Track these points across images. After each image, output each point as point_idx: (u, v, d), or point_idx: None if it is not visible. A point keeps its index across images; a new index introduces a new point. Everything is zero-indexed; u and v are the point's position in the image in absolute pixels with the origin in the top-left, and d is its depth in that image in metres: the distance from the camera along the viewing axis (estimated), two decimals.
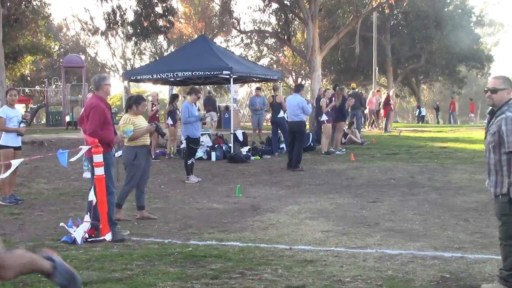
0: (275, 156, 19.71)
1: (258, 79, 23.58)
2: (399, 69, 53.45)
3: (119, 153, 11.05)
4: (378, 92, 34.22)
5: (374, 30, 40.97)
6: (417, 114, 50.97)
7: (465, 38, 51.44)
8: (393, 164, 16.90)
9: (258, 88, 24.65)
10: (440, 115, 57.97)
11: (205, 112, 24.93)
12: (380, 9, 38.13)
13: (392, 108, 31.02)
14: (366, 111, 31.20)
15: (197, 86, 20.74)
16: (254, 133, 23.52)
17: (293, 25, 35.35)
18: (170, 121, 19.69)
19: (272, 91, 21.76)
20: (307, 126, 23.29)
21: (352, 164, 17.20)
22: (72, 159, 8.72)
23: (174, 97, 20.59)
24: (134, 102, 9.81)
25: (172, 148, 20.33)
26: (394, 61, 50.78)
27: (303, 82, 58.53)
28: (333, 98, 20.05)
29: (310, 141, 20.84)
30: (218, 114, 30.22)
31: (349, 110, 22.48)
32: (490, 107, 5.87)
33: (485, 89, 5.85)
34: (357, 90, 27.71)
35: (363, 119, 30.20)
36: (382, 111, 30.91)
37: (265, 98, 23.73)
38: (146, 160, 9.74)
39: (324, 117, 19.31)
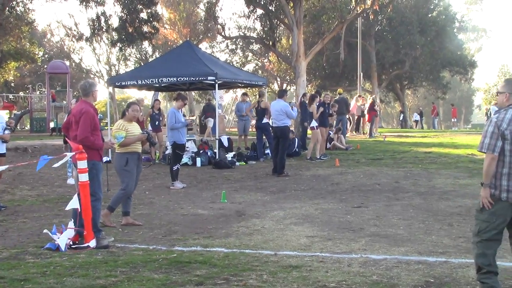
0: (260, 161, 19.71)
1: (243, 85, 23.58)
2: (384, 75, 53.70)
3: (105, 159, 11.01)
4: (361, 97, 34.34)
5: (359, 36, 41.13)
6: (401, 119, 51.29)
7: (449, 43, 51.87)
8: (378, 169, 16.96)
9: (244, 94, 24.69)
10: (424, 120, 58.24)
11: (203, 118, 25.15)
12: (365, 15, 38.38)
13: (377, 113, 31.14)
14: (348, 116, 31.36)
15: (183, 92, 20.73)
16: (239, 139, 23.56)
17: (278, 31, 35.44)
18: (149, 127, 19.86)
19: (258, 96, 21.77)
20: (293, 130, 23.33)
21: (337, 169, 17.24)
22: (56, 165, 8.67)
23: (153, 103, 20.78)
24: (126, 107, 9.83)
25: (157, 154, 20.29)
26: (378, 66, 51.04)
27: (288, 88, 58.68)
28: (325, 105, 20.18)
29: (295, 146, 20.85)
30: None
31: (335, 115, 22.58)
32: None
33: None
34: (343, 95, 27.71)
35: (348, 124, 30.30)
36: (366, 116, 31.05)
37: (251, 104, 23.77)
38: (137, 166, 9.70)
39: (314, 123, 19.38)
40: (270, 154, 19.32)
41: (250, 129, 25.90)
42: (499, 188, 5.65)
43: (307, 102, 20.33)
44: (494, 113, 5.85)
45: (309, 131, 21.26)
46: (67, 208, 8.58)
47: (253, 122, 26.07)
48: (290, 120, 17.46)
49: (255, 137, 21.09)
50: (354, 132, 32.72)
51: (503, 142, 5.59)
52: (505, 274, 6.49)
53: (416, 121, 51.64)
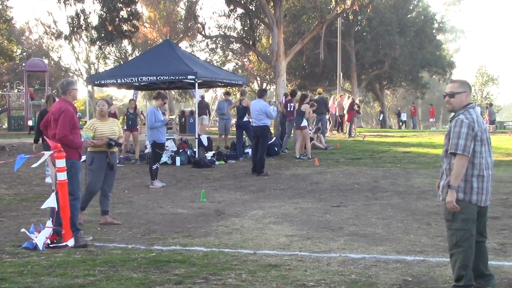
0: (240, 161, 19.72)
1: (223, 84, 23.59)
2: (363, 75, 53.97)
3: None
4: (341, 97, 34.49)
5: (339, 36, 41.31)
6: (380, 119, 51.57)
7: (428, 44, 52.25)
8: (357, 169, 17.03)
9: (226, 93, 24.75)
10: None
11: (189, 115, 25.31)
12: (345, 15, 38.49)
13: (356, 113, 31.27)
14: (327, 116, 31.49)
15: (162, 91, 20.68)
16: (220, 138, 23.56)
17: (258, 31, 35.50)
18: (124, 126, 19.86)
19: (240, 95, 21.76)
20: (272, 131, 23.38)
21: (317, 169, 17.29)
22: (34, 165, 8.61)
23: (130, 102, 20.75)
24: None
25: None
26: (358, 66, 51.28)
27: (268, 87, 58.69)
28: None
29: (274, 145, 20.88)
30: (210, 118, 30.58)
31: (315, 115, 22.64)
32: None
33: (444, 94, 5.91)
34: (323, 95, 27.77)
35: (327, 124, 30.43)
36: (346, 116, 31.18)
37: (232, 102, 23.79)
38: (106, 166, 9.56)
39: (305, 122, 19.46)
40: (249, 153, 19.34)
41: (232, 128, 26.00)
42: (470, 191, 5.63)
43: (292, 101, 20.37)
44: (456, 113, 5.78)
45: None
46: (43, 207, 8.52)
47: (234, 120, 26.15)
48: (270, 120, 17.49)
49: (236, 136, 21.10)
50: (338, 131, 32.93)
51: (474, 144, 5.62)
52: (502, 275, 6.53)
53: (404, 122, 51.87)
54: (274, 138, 21.49)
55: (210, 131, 31.93)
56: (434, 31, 55.28)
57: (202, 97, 35.15)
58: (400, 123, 51.80)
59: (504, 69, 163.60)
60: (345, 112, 31.49)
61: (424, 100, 71.46)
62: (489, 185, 5.72)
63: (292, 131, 21.61)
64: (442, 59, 55.46)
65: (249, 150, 19.95)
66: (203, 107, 28.89)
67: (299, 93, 24.75)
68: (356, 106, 30.53)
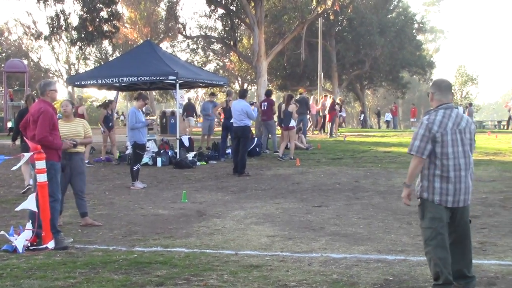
0: (221, 161, 19.70)
1: (204, 85, 23.53)
2: (344, 75, 54.11)
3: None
4: (325, 97, 34.58)
5: (319, 36, 41.41)
6: (361, 119, 51.78)
7: (408, 44, 52.53)
8: (338, 169, 17.09)
9: (212, 94, 24.76)
10: (382, 120, 58.84)
11: (184, 117, 25.43)
12: (325, 16, 38.56)
13: (338, 114, 31.39)
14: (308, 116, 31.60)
15: (143, 92, 20.62)
16: (202, 139, 23.55)
17: (239, 31, 35.54)
18: (102, 128, 19.74)
19: (226, 95, 21.68)
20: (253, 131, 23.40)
21: (298, 169, 17.31)
22: (14, 168, 8.54)
23: (108, 103, 20.61)
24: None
25: (118, 153, 20.17)
26: (339, 66, 51.42)
27: (249, 88, 58.73)
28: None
29: (255, 145, 20.89)
30: (196, 119, 30.62)
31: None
32: None
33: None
34: (304, 95, 27.78)
35: (308, 124, 30.51)
36: (327, 116, 31.27)
37: (217, 103, 23.80)
38: (69, 167, 9.37)
39: (292, 123, 19.56)
40: (230, 154, 19.34)
41: (219, 129, 26.06)
42: (432, 191, 5.74)
43: (267, 101, 20.43)
44: (424, 114, 5.95)
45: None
46: (17, 209, 8.50)
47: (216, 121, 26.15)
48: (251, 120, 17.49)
49: (220, 137, 21.12)
50: (320, 132, 33.06)
51: (433, 145, 5.68)
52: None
53: (388, 121, 52.05)
54: (256, 138, 21.52)
55: (190, 131, 31.92)
56: (414, 31, 55.65)
57: (189, 99, 35.32)
58: (386, 124, 52.05)
59: (483, 69, 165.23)
60: (326, 112, 31.56)
61: (405, 100, 71.82)
62: (461, 186, 5.70)
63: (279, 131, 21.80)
64: (422, 59, 55.78)
65: (230, 151, 19.94)
66: (190, 109, 28.90)
67: (281, 94, 24.81)
68: (337, 105, 30.65)
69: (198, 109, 37.18)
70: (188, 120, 28.14)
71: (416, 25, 56.06)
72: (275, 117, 22.33)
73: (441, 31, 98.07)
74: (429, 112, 5.85)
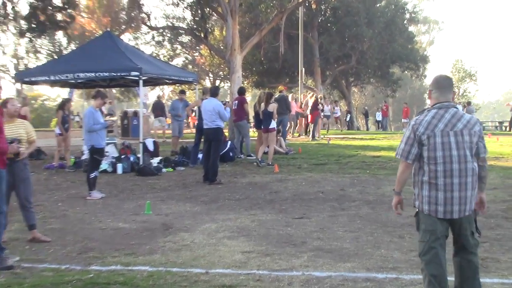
0: (190, 167, 19.63)
1: (171, 81, 23.46)
2: (328, 70, 54.27)
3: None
4: (303, 96, 34.67)
5: (300, 27, 41.48)
6: (347, 119, 51.91)
7: (399, 36, 52.84)
8: (321, 176, 17.09)
9: (181, 92, 24.68)
10: (371, 121, 59.07)
11: (153, 117, 25.41)
12: (307, 4, 38.78)
13: (320, 113, 31.46)
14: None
15: (102, 89, 20.47)
16: (175, 141, 23.47)
17: (210, 21, 35.46)
18: (57, 130, 19.51)
19: (202, 93, 21.53)
20: (226, 134, 23.36)
21: (276, 176, 17.28)
22: None
23: (64, 103, 20.34)
24: (3, 103, 9.48)
25: (72, 159, 19.97)
26: (322, 61, 51.49)
27: (221, 85, 58.68)
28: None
29: (228, 150, 20.84)
30: (166, 119, 30.59)
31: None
32: None
33: None
34: (284, 93, 27.71)
35: (288, 125, 30.53)
36: (309, 117, 31.29)
37: (188, 102, 23.72)
38: (11, 173, 9.18)
39: (273, 124, 19.54)
40: (200, 159, 19.29)
41: (188, 131, 26.02)
42: (421, 199, 5.77)
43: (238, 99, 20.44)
44: (416, 114, 5.97)
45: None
46: None
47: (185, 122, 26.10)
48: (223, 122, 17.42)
49: (194, 140, 21.06)
50: (303, 134, 33.15)
51: (420, 148, 5.71)
52: None
53: (379, 122, 52.14)
54: (229, 142, 21.48)
55: (155, 134, 31.78)
56: (405, 22, 56.01)
57: (159, 97, 35.16)
58: (377, 125, 52.23)
59: (482, 64, 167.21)
60: (308, 112, 31.58)
61: (396, 99, 72.32)
62: (455, 195, 5.65)
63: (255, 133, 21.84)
64: (414, 53, 56.17)
65: (200, 155, 19.86)
66: (160, 108, 28.81)
67: (258, 92, 24.82)
68: (320, 105, 30.73)
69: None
70: (159, 121, 28.10)
71: (407, 15, 56.43)
72: (251, 118, 22.33)
73: (435, 21, 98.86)
74: (422, 112, 5.86)
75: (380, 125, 51.85)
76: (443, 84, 5.91)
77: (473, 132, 5.70)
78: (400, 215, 6.09)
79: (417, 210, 5.86)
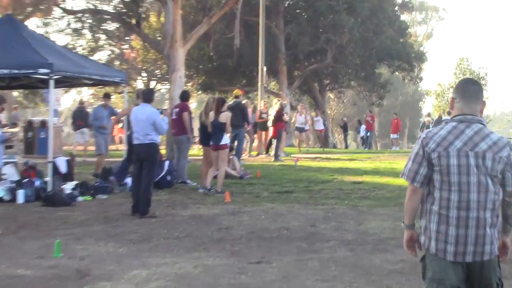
0: (115, 194, 19.55)
1: (91, 82, 23.33)
2: (297, 70, 54.50)
3: None
4: (264, 103, 34.67)
5: (261, 14, 41.59)
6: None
7: (387, 27, 53.24)
8: (286, 207, 17.11)
9: (106, 96, 24.57)
10: (351, 136, 59.30)
11: (73, 128, 25.16)
12: None
13: (286, 126, 31.54)
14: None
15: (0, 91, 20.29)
16: (101, 161, 23.32)
17: (144, 4, 35.38)
18: None
19: (136, 97, 21.36)
20: (164, 152, 23.28)
21: (228, 207, 17.26)
22: None
23: None
24: None
25: None
26: (289, 58, 51.61)
27: (158, 87, 58.56)
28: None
29: (166, 173, 20.79)
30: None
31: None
32: None
33: None
34: (240, 99, 27.68)
35: (245, 141, 30.55)
36: (270, 130, 31.26)
37: (115, 110, 23.62)
38: None
39: (226, 140, 19.45)
40: (129, 184, 19.20)
41: (113, 147, 25.88)
42: (429, 234, 5.72)
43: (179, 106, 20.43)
44: (433, 124, 5.97)
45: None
46: None
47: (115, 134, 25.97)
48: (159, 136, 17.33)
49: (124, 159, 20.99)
50: (262, 152, 33.19)
51: (430, 169, 5.67)
52: None
53: (363, 138, 52.09)
54: (167, 162, 21.40)
55: (69, 150, 31.55)
56: (396, 8, 56.51)
57: (82, 102, 34.96)
58: (361, 142, 52.43)
59: (494, 64, 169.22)
60: (268, 124, 31.55)
61: (383, 108, 72.90)
62: (470, 233, 5.57)
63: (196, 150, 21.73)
64: (407, 48, 56.63)
65: (129, 180, 19.75)
66: (82, 117, 28.63)
67: (205, 97, 24.84)
68: (285, 114, 30.80)
69: None
70: (81, 133, 27.91)
71: (399, 0, 56.96)
72: (196, 131, 22.28)
73: (434, 8, 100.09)
74: (439, 122, 5.83)
75: (363, 142, 51.99)
76: (470, 91, 5.83)
77: (499, 158, 5.61)
78: (415, 256, 5.95)
79: (424, 254, 5.80)
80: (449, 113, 47.84)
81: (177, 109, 21.48)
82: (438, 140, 5.61)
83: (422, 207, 5.80)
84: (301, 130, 38.18)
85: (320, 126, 44.53)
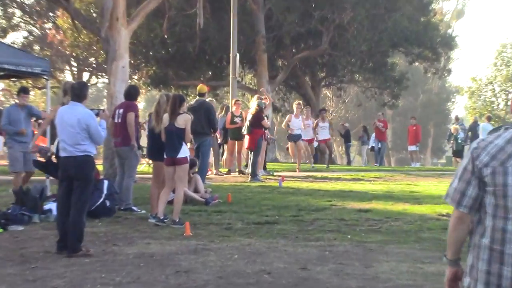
0: (35, 224, 19.51)
1: (2, 73, 23.32)
2: (281, 59, 54.57)
3: None
4: (237, 103, 34.70)
5: None
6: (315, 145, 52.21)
7: (404, 2, 53.33)
8: (267, 244, 17.07)
9: (23, 91, 24.44)
10: (354, 148, 59.31)
11: None
12: None
13: (267, 135, 31.57)
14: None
15: None
16: (17, 180, 23.24)
17: None
18: None
19: (63, 94, 21.28)
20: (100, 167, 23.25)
21: (188, 243, 17.22)
22: None
23: None
24: None
25: None
26: (271, 43, 51.70)
27: (93, 80, 58.51)
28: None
29: (106, 196, 20.75)
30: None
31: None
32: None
33: None
34: (206, 98, 27.71)
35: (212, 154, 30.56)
36: (246, 140, 31.21)
37: (36, 109, 23.59)
38: None
39: (184, 152, 19.33)
40: (53, 212, 19.17)
41: None
42: (476, 275, 5.67)
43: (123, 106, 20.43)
44: (488, 132, 5.94)
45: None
46: None
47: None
48: (95, 146, 17.28)
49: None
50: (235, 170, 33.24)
51: (481, 190, 5.61)
52: None
53: (374, 149, 51.46)
54: (106, 182, 21.36)
55: None
56: None
57: None
58: (372, 152, 52.28)
59: None
60: (243, 131, 31.51)
61: (398, 111, 73.01)
62: None
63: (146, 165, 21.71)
64: (431, 30, 56.73)
65: (52, 205, 19.71)
66: None
67: (157, 94, 24.83)
68: (265, 117, 30.82)
69: None
70: None
71: None
72: (144, 140, 22.26)
73: None
74: (497, 129, 5.81)
75: (375, 155, 51.76)
76: None
77: None
78: None
79: None
80: (488, 118, 48.37)
81: (121, 110, 21.43)
82: (493, 152, 5.49)
83: (470, 240, 5.75)
84: (296, 138, 37.67)
85: (325, 135, 43.76)
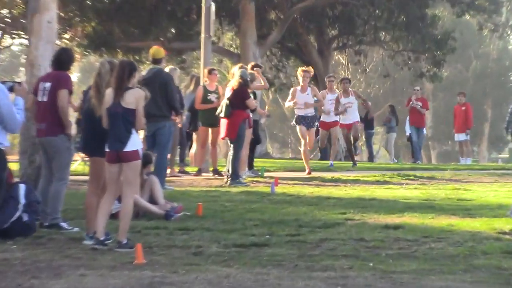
0: None
1: None
2: (275, 10, 54.73)
3: None
4: (212, 74, 34.66)
5: None
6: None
7: None
8: (254, 275, 16.99)
9: None
10: (378, 138, 59.61)
11: None
12: None
13: (249, 117, 31.56)
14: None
15: None
16: None
17: None
18: None
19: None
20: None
21: (140, 273, 17.13)
22: None
23: None
24: None
25: None
26: None
27: (6, 42, 58.83)
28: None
29: (25, 207, 20.74)
30: None
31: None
32: None
33: None
34: (164, 64, 27.71)
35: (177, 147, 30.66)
36: (222, 130, 31.06)
37: None
38: None
39: (135, 144, 19.20)
40: None
41: None
42: None
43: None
44: None
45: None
46: None
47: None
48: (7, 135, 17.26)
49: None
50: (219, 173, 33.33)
51: None
52: None
53: (410, 139, 50.98)
54: (23, 187, 21.32)
55: None
56: None
57: None
58: (409, 143, 52.22)
59: None
60: (221, 113, 31.47)
61: (443, 85, 73.15)
62: None
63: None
64: None
65: None
66: None
67: (97, 61, 24.94)
68: (252, 97, 30.85)
69: None
70: None
71: None
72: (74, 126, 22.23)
73: None
74: None
75: (412, 149, 51.53)
76: None
77: None
78: None
79: None
80: None
81: (47, 84, 21.28)
82: None
83: None
84: (308, 124, 37.01)
85: (354, 117, 41.81)
